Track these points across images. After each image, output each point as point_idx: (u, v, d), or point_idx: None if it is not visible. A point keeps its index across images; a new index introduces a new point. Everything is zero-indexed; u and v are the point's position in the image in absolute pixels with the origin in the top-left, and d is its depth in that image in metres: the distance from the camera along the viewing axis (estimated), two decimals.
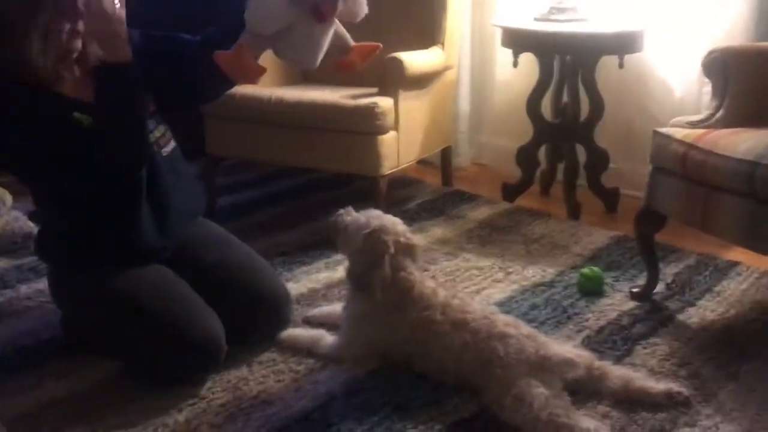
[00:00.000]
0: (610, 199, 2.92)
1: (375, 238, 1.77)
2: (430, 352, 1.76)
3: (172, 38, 1.91)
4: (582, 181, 2.94)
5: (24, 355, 1.90)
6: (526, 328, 1.75)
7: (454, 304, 1.79)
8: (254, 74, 1.64)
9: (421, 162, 3.53)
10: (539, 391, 1.59)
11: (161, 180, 1.86)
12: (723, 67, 2.00)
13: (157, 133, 1.88)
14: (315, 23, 1.59)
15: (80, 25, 1.69)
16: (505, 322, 1.75)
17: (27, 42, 1.65)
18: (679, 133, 1.96)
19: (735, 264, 2.37)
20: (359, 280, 1.79)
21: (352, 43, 1.71)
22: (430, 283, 1.84)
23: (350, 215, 1.85)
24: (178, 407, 1.68)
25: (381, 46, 1.76)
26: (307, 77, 3.19)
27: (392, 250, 1.76)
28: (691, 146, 1.90)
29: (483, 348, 1.69)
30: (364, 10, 1.66)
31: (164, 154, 1.89)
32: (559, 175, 3.01)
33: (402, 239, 1.80)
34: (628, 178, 2.90)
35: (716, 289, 2.22)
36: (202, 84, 1.88)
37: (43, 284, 2.11)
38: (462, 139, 3.48)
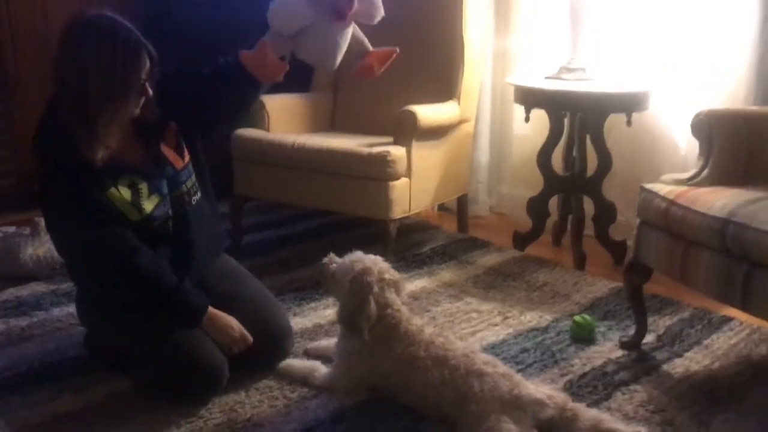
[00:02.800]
0: (618, 251, 3.00)
1: (359, 281, 1.91)
2: (413, 386, 1.87)
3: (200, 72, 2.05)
4: (591, 232, 3.03)
5: (49, 371, 2.09)
6: (503, 368, 1.85)
7: (437, 341, 1.91)
8: (277, 70, 1.80)
9: (442, 209, 3.70)
10: (509, 426, 1.70)
11: (188, 227, 2.04)
12: (708, 128, 2.11)
13: (189, 183, 2.07)
14: (333, 22, 1.71)
15: (143, 101, 1.87)
16: (484, 360, 1.86)
17: (109, 116, 1.81)
18: (663, 189, 2.06)
19: (729, 319, 2.42)
20: (348, 322, 1.93)
21: (369, 47, 1.84)
22: (416, 321, 1.97)
23: (334, 262, 2.00)
24: (177, 423, 1.84)
25: (397, 50, 1.86)
26: (335, 126, 3.41)
27: (376, 290, 1.90)
28: (672, 202, 2.00)
29: (460, 384, 1.80)
30: (380, 12, 1.79)
31: (193, 203, 2.07)
32: (570, 227, 3.10)
33: (386, 276, 1.94)
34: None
35: (705, 342, 2.28)
36: (236, 93, 1.98)
37: (74, 308, 2.31)
38: (481, 188, 3.62)
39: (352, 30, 1.78)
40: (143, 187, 1.94)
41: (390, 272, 1.97)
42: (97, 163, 1.84)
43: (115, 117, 1.83)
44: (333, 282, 1.98)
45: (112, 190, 1.89)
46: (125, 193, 1.90)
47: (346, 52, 1.81)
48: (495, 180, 3.68)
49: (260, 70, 1.83)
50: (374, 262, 1.96)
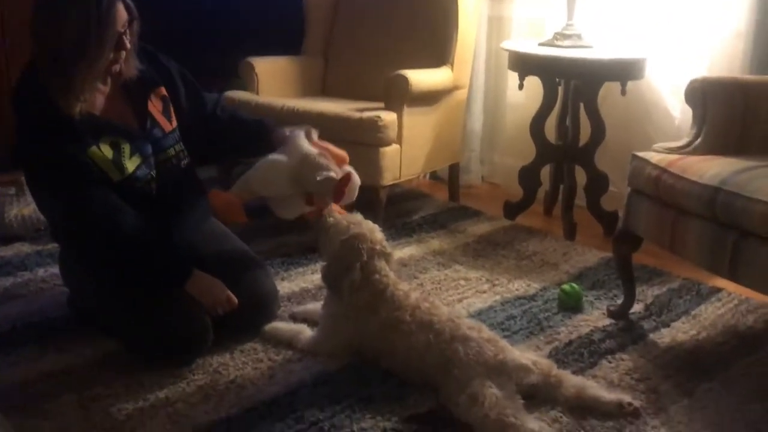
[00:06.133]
0: (609, 222, 2.97)
1: (350, 245, 1.90)
2: (397, 350, 1.86)
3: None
4: (583, 202, 3.01)
5: (31, 331, 2.07)
6: (488, 333, 1.83)
7: (423, 306, 1.89)
8: (235, 218, 1.91)
9: (434, 178, 3.68)
10: (492, 391, 1.68)
11: (174, 190, 2.02)
12: (702, 96, 2.08)
13: (177, 147, 2.04)
14: (304, 204, 1.84)
15: (123, 55, 1.84)
16: (468, 325, 1.84)
17: (85, 69, 1.77)
18: (654, 157, 2.04)
19: (717, 290, 2.41)
20: (331, 281, 1.91)
21: (331, 204, 1.94)
22: (402, 286, 1.95)
23: (333, 218, 1.98)
24: (160, 384, 1.83)
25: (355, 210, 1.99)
26: (326, 90, 3.36)
27: (365, 258, 1.88)
28: (663, 170, 1.97)
29: (445, 348, 1.79)
30: (352, 199, 1.93)
31: (183, 166, 2.05)
32: (561, 196, 3.08)
33: (377, 247, 1.92)
34: None
35: (693, 312, 2.27)
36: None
37: (58, 269, 2.28)
38: (473, 157, 3.59)
39: None
40: (125, 147, 1.91)
41: (383, 244, 1.95)
42: (75, 116, 1.80)
43: (91, 70, 1.79)
44: (326, 237, 1.96)
45: (93, 148, 1.85)
46: (107, 151, 1.87)
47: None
48: (488, 149, 3.65)
49: (221, 213, 1.93)
50: (371, 231, 1.94)
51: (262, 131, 2.04)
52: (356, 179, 1.93)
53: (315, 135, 1.95)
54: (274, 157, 1.88)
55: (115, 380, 1.84)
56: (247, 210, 1.96)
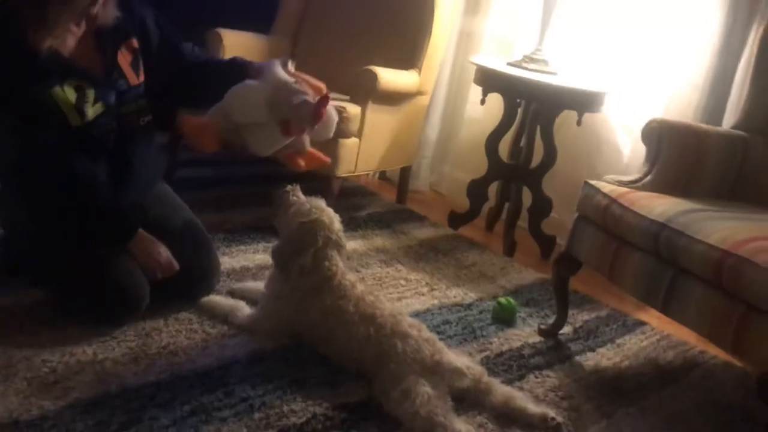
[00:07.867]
0: (546, 245, 3.07)
1: (308, 229, 1.90)
2: (337, 338, 1.87)
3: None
4: (524, 223, 3.09)
5: None
6: (427, 333, 1.86)
7: (367, 299, 1.90)
8: (209, 148, 1.83)
9: (383, 179, 3.70)
10: (425, 389, 1.71)
11: (131, 144, 1.97)
12: (658, 137, 2.17)
13: (141, 103, 1.99)
14: (280, 133, 1.76)
15: None
16: (410, 323, 1.87)
17: (62, 4, 1.69)
18: (606, 187, 2.12)
19: (642, 324, 2.51)
20: (281, 260, 1.90)
21: (308, 148, 1.88)
22: (350, 277, 1.96)
23: (297, 196, 1.97)
24: (88, 340, 1.78)
25: (330, 162, 1.99)
26: None
27: (320, 244, 1.89)
28: (613, 201, 2.05)
29: (384, 342, 1.81)
30: (329, 136, 1.87)
31: (142, 123, 2.00)
32: (505, 214, 3.15)
33: (333, 236, 1.92)
34: (567, 229, 3.04)
35: (618, 341, 2.36)
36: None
37: None
38: (424, 164, 3.64)
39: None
40: (90, 92, 1.85)
41: (339, 234, 1.96)
42: (42, 52, 1.72)
43: (69, 7, 1.72)
44: (284, 214, 1.96)
45: (57, 89, 1.79)
46: (70, 94, 1.81)
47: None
48: (439, 158, 3.70)
49: (194, 139, 1.85)
50: (330, 219, 1.94)
51: (236, 69, 1.97)
52: (334, 113, 1.85)
53: (291, 66, 1.88)
54: (250, 82, 1.81)
55: (40, 331, 1.78)
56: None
